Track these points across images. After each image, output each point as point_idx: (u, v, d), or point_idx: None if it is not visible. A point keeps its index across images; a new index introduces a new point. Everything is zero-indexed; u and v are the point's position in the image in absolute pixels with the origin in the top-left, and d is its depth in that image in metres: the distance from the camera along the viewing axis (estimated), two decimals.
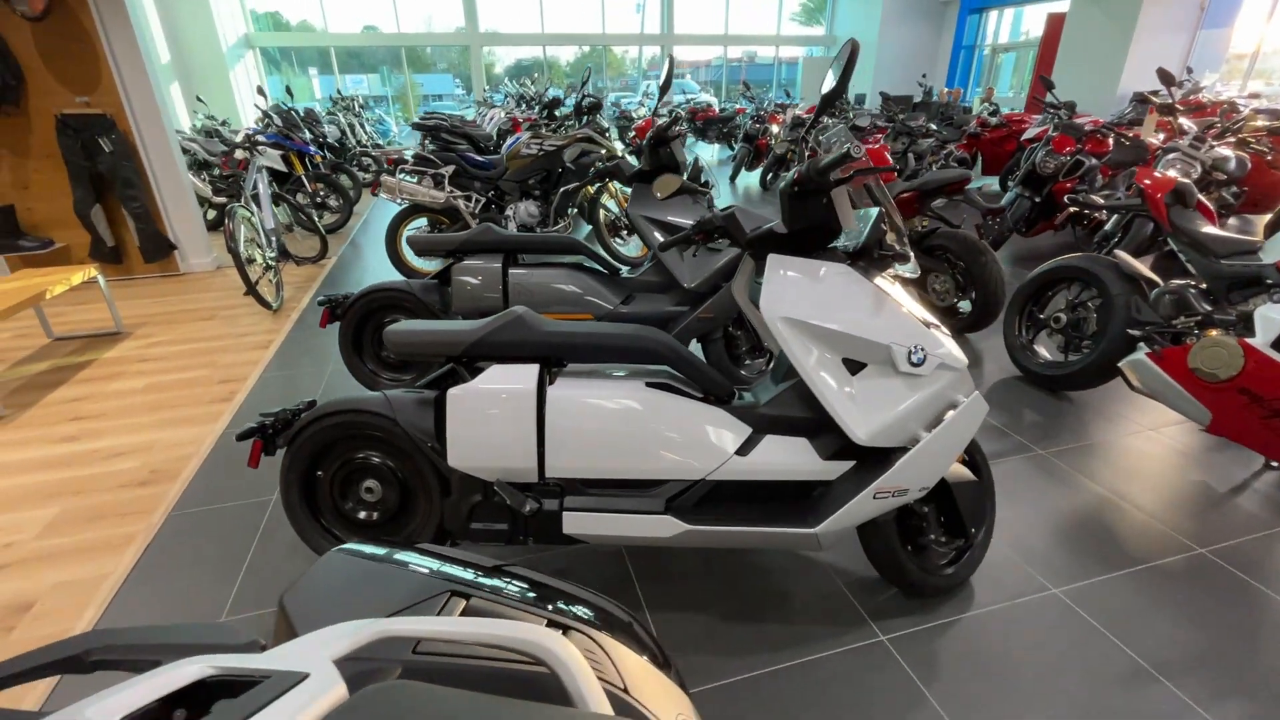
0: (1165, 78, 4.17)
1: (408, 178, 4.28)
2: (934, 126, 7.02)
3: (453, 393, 1.52)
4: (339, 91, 9.51)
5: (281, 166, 5.77)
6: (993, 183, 8.37)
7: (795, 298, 1.45)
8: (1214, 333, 2.24)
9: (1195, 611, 1.69)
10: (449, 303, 2.71)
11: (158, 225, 4.67)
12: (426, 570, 0.76)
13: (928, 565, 1.70)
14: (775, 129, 8.90)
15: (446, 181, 4.32)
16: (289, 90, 7.49)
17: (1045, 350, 2.98)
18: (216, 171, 6.46)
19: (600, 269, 2.76)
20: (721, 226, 1.65)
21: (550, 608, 0.72)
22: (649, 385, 1.57)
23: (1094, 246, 4.28)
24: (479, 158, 5.18)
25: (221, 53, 11.20)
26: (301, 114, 7.06)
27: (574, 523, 1.55)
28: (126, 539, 2.01)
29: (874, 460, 1.52)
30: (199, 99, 8.13)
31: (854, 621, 1.67)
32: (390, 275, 4.73)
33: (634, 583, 1.80)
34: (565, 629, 0.69)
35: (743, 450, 1.55)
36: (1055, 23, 11.98)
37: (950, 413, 1.48)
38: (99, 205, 4.49)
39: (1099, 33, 10.60)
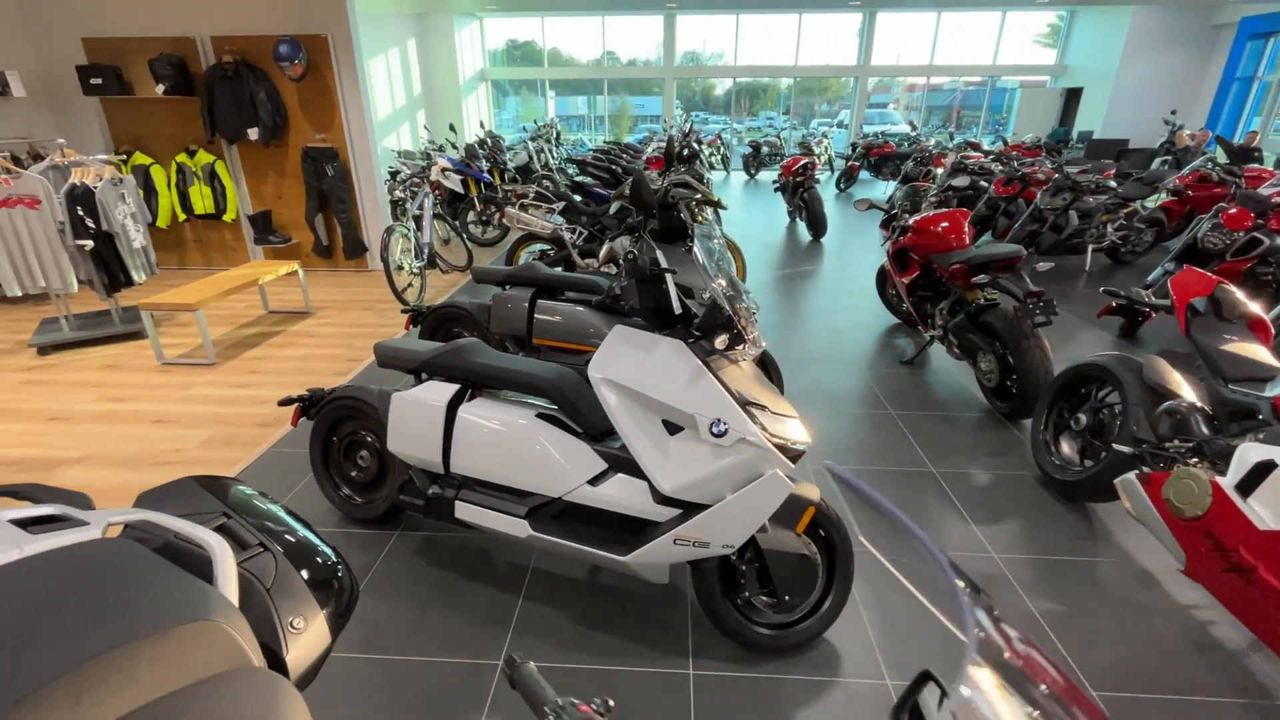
0: None
1: (528, 210, 5.06)
2: (1112, 184, 6.17)
3: (394, 396, 2.08)
4: (536, 121, 11.02)
5: (460, 189, 7.01)
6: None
7: (620, 365, 1.75)
8: (1198, 464, 1.99)
9: None
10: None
11: (357, 231, 6.08)
12: (257, 503, 1.27)
13: (750, 619, 1.85)
14: (939, 172, 8.38)
15: (557, 215, 5.02)
16: (482, 125, 9.04)
17: (1070, 450, 2.73)
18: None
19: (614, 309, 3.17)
20: (618, 296, 1.99)
21: (266, 535, 1.19)
22: (539, 415, 1.97)
23: None
24: (604, 192, 5.86)
25: (459, 86, 13.54)
26: (489, 143, 8.44)
27: (463, 510, 2.01)
28: (236, 460, 2.90)
29: (694, 511, 1.75)
30: (425, 127, 10.06)
31: (677, 651, 1.89)
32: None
33: (527, 573, 2.20)
34: (268, 550, 1.16)
35: (594, 481, 1.88)
36: None
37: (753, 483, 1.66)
38: (320, 214, 5.99)
39: None
